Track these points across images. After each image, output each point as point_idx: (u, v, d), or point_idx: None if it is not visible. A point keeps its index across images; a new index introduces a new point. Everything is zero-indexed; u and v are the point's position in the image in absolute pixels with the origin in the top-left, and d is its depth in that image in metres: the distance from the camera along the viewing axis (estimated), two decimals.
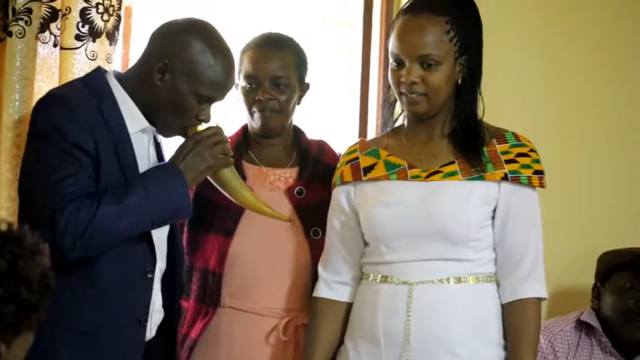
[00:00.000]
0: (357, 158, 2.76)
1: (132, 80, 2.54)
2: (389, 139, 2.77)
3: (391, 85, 2.67)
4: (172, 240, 2.66)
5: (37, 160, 2.44)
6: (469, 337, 2.59)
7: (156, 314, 2.62)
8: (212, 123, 2.58)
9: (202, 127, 2.57)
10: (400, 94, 2.65)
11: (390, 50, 2.65)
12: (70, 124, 2.41)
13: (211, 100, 2.54)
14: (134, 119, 2.53)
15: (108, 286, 2.48)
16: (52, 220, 2.35)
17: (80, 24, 3.06)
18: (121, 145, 2.48)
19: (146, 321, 2.57)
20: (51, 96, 2.52)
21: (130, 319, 2.54)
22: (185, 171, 2.48)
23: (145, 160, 2.57)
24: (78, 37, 3.07)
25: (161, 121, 2.55)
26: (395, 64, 2.64)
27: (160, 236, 2.59)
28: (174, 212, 2.49)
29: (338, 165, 2.81)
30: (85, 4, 3.07)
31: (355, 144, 2.83)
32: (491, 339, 2.63)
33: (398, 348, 2.59)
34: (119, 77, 2.56)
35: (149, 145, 2.60)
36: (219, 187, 2.62)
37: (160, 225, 2.51)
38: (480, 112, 2.72)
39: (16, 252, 1.65)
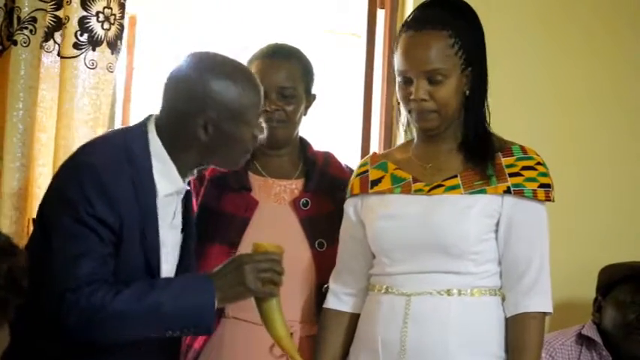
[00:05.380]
0: (367, 171, 2.77)
1: (173, 138, 2.46)
2: (399, 153, 2.79)
3: (401, 101, 2.67)
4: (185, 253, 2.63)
5: (59, 227, 2.35)
6: (465, 351, 2.57)
7: None
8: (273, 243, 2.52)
9: (269, 244, 2.50)
10: (410, 110, 2.65)
11: (396, 67, 2.66)
12: (100, 198, 2.34)
13: (258, 114, 2.51)
14: (169, 180, 2.47)
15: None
16: (62, 296, 2.29)
17: (79, 32, 3.07)
18: (147, 220, 2.42)
19: None
20: (85, 164, 2.40)
21: None
22: (219, 288, 2.39)
23: (167, 219, 2.51)
24: (76, 46, 3.07)
25: (225, 161, 2.52)
26: (402, 80, 2.65)
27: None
28: (193, 326, 2.40)
29: (351, 178, 2.82)
30: (85, 13, 3.08)
31: (367, 157, 2.85)
32: (490, 352, 2.61)
33: (395, 358, 2.58)
34: (158, 127, 2.47)
35: (177, 206, 2.55)
36: (258, 313, 2.53)
37: (174, 334, 2.41)
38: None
39: None
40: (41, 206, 2.48)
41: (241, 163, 2.56)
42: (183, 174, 2.50)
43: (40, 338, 2.37)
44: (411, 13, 2.71)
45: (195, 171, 2.55)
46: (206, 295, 2.37)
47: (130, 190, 2.39)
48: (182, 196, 2.57)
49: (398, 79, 2.66)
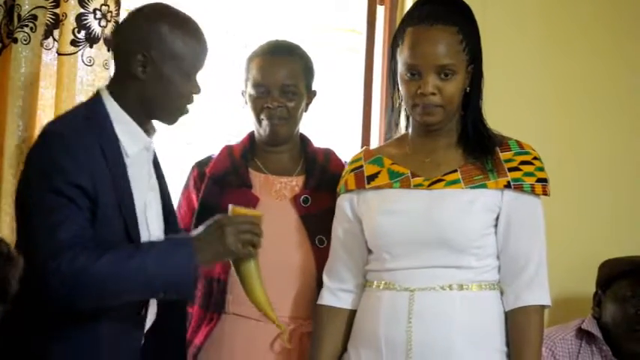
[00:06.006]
0: (362, 167, 2.77)
1: (120, 88, 2.49)
2: (393, 148, 2.78)
3: (404, 95, 2.66)
4: None
5: (36, 200, 2.35)
6: (470, 345, 2.59)
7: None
8: (258, 211, 2.55)
9: (247, 209, 2.53)
10: (414, 105, 2.65)
11: (401, 62, 2.64)
12: (71, 163, 2.34)
13: (197, 72, 2.51)
14: (134, 138, 2.49)
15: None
16: (44, 265, 2.27)
17: (76, 30, 3.07)
18: (118, 181, 2.43)
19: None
20: (51, 134, 2.42)
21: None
22: (199, 249, 2.40)
23: (144, 181, 2.53)
24: (74, 43, 3.07)
25: (160, 111, 2.50)
26: (409, 75, 2.63)
27: None
28: (175, 287, 2.39)
29: (343, 173, 2.82)
30: (82, 10, 3.07)
31: (360, 152, 2.84)
32: (494, 347, 2.63)
33: (400, 355, 2.59)
34: (112, 91, 2.50)
35: (150, 164, 2.57)
36: (236, 275, 2.56)
37: (158, 296, 2.44)
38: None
39: None
40: (17, 190, 2.47)
41: (176, 119, 2.53)
42: (145, 129, 2.51)
43: (30, 325, 2.37)
44: (413, 9, 2.70)
45: (153, 125, 2.55)
46: (187, 255, 2.38)
47: (99, 154, 2.40)
48: (152, 155, 2.57)
49: (404, 73, 2.64)
